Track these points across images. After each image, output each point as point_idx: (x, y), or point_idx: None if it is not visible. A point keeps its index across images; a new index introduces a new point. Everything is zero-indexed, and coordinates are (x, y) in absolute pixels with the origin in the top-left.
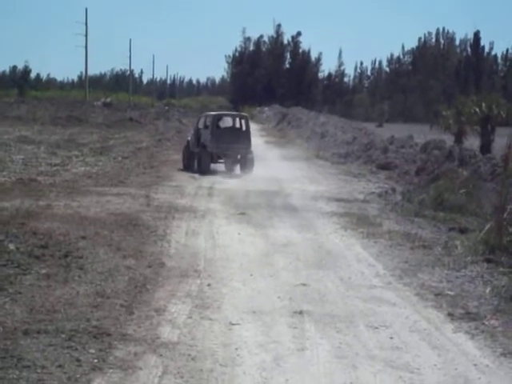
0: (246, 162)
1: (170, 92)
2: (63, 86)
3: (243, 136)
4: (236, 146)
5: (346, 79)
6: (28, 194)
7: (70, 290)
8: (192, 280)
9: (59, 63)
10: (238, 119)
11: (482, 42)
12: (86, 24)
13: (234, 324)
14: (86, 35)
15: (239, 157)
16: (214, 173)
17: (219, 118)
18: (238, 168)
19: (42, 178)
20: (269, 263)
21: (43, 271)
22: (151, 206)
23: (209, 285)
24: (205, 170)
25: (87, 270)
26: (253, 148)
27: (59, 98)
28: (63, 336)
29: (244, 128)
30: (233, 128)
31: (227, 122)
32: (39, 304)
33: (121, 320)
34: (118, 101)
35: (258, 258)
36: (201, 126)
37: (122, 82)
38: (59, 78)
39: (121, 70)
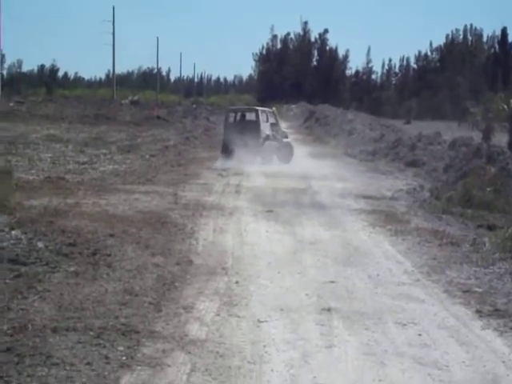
0: (263, 151)
1: (197, 90)
2: (91, 85)
3: (253, 127)
4: (244, 137)
5: (373, 76)
6: (56, 192)
7: (98, 287)
8: (220, 277)
9: (87, 62)
10: (248, 113)
11: (510, 39)
12: (114, 22)
13: (261, 321)
14: (114, 33)
15: (250, 146)
16: (241, 171)
17: (232, 112)
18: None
19: (70, 176)
20: (296, 261)
21: (71, 269)
22: (179, 203)
23: (236, 282)
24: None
25: (115, 268)
26: None
27: (87, 97)
28: (92, 333)
29: (254, 119)
30: (243, 121)
31: (240, 115)
32: (68, 302)
33: (149, 317)
34: (145, 99)
35: (286, 256)
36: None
37: (150, 80)
38: (87, 77)
39: (148, 68)
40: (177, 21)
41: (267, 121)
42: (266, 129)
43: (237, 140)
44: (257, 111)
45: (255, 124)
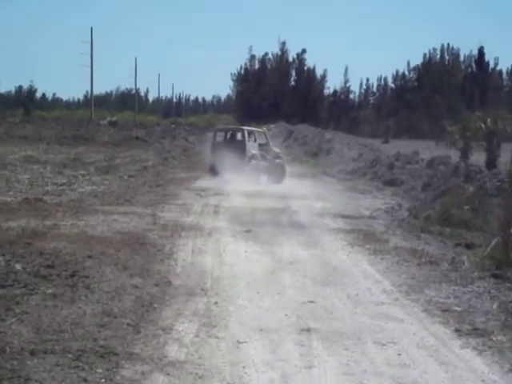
0: (249, 171)
1: (175, 110)
2: (69, 106)
3: (239, 147)
4: (230, 156)
5: (351, 96)
6: (34, 213)
7: (76, 309)
8: (199, 298)
9: (65, 82)
10: (235, 132)
11: (487, 58)
12: (92, 43)
13: (241, 342)
14: (92, 54)
15: (236, 166)
16: (220, 191)
17: (219, 131)
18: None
19: (48, 197)
20: (276, 281)
21: (50, 291)
22: (157, 224)
23: (216, 303)
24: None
25: (94, 290)
26: None
27: (65, 118)
28: (70, 356)
29: (241, 139)
30: (229, 140)
31: (227, 135)
32: (46, 324)
33: (128, 339)
34: (123, 120)
35: (265, 276)
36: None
37: (128, 100)
38: (65, 98)
39: (126, 88)
40: (155, 41)
41: (255, 140)
42: (252, 148)
43: (223, 159)
44: (243, 131)
45: (241, 143)
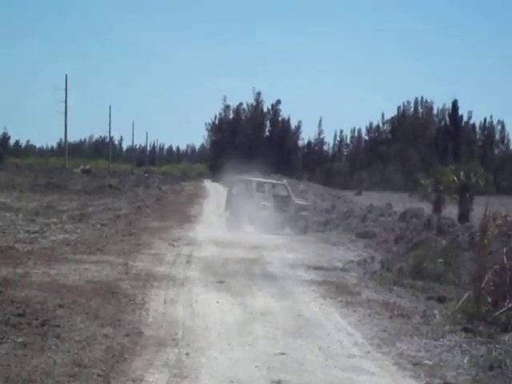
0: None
1: (149, 159)
2: (42, 153)
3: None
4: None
5: (325, 147)
6: (5, 261)
7: (46, 358)
8: (170, 349)
9: (38, 130)
10: (245, 184)
11: (460, 111)
12: (66, 91)
13: None
14: (66, 102)
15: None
16: (193, 241)
17: (235, 183)
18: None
19: (20, 245)
20: (247, 332)
21: (20, 340)
22: (129, 273)
23: (187, 354)
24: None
25: (64, 339)
26: None
27: (38, 165)
28: None
29: (249, 191)
30: (240, 192)
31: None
32: (15, 373)
33: None
34: (97, 168)
35: (237, 327)
36: None
37: (102, 148)
38: (38, 145)
39: (100, 136)
40: (129, 90)
41: (268, 192)
42: (262, 200)
43: (237, 211)
44: (251, 182)
45: (250, 195)
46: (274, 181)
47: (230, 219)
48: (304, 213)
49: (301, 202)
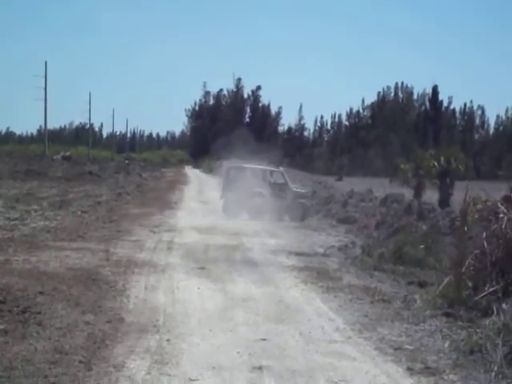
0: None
1: (130, 146)
2: (22, 140)
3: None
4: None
5: (305, 133)
6: None
7: (27, 346)
8: (151, 335)
9: (18, 117)
10: (240, 170)
11: (441, 97)
12: (46, 77)
13: (192, 380)
14: (46, 89)
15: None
16: (173, 227)
17: (230, 169)
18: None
19: (0, 232)
20: (228, 318)
21: (0, 327)
22: (110, 260)
23: (168, 340)
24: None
25: (45, 326)
26: (214, 202)
27: (18, 152)
28: None
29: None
30: (236, 178)
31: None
32: None
33: (79, 376)
34: (77, 154)
35: (218, 313)
36: None
37: (82, 135)
38: (18, 132)
39: (80, 123)
40: (110, 76)
41: (262, 179)
42: (257, 186)
43: (232, 197)
44: (244, 169)
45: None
46: (270, 168)
47: (226, 206)
48: (302, 200)
49: (298, 189)
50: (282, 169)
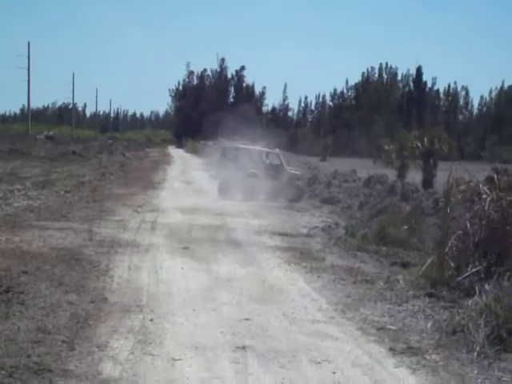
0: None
1: (113, 125)
2: (5, 119)
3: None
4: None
5: (290, 113)
6: None
7: (10, 325)
8: (134, 315)
9: (1, 96)
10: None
11: (425, 78)
12: (29, 57)
13: (176, 359)
14: (29, 69)
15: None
16: (157, 207)
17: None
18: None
19: None
20: (212, 298)
21: None
22: (94, 240)
23: (151, 320)
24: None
25: (28, 306)
26: (198, 182)
27: (1, 131)
28: (3, 372)
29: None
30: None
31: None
32: None
33: (62, 356)
34: (60, 134)
35: (201, 293)
36: None
37: (65, 115)
38: (1, 111)
39: (64, 103)
40: (93, 56)
41: (257, 160)
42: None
43: (226, 178)
44: (238, 149)
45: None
46: (265, 149)
47: (221, 187)
48: (297, 182)
49: (294, 171)
50: (277, 150)
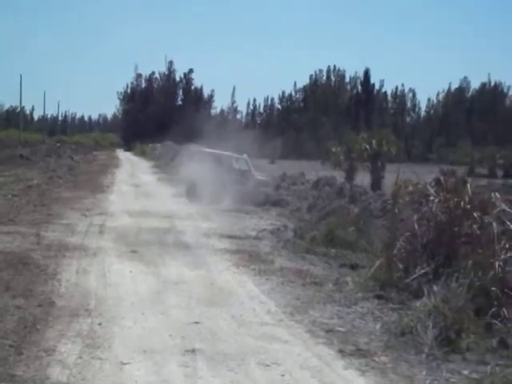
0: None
1: (61, 129)
2: None
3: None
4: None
5: (238, 116)
6: None
7: None
8: (83, 319)
9: None
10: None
11: (372, 80)
12: None
13: (124, 363)
14: None
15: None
16: (105, 211)
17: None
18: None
19: None
20: (161, 301)
21: None
22: (41, 244)
23: (99, 324)
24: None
25: None
26: (147, 185)
27: None
28: None
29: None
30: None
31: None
32: None
33: (9, 361)
34: (7, 137)
35: (150, 296)
36: None
37: (13, 118)
38: None
39: (11, 106)
40: (41, 58)
41: (225, 165)
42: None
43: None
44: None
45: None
46: (233, 154)
47: (189, 192)
48: (264, 188)
49: (261, 177)
50: (245, 156)
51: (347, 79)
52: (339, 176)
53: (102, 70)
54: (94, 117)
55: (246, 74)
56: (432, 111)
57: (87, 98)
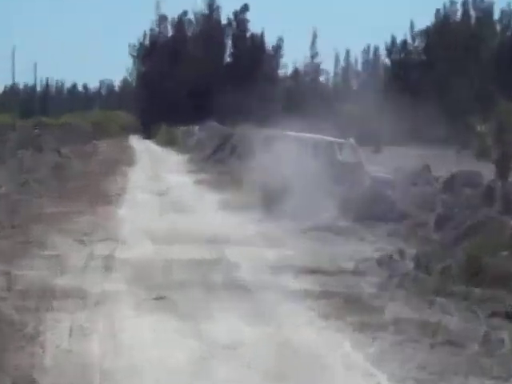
0: None
1: (41, 106)
2: None
3: None
4: None
5: (322, 78)
6: None
7: None
8: None
9: None
10: None
11: None
12: None
13: None
14: None
15: None
16: (114, 234)
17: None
18: None
19: None
20: (204, 377)
21: None
22: (14, 290)
23: None
24: None
25: None
26: (177, 192)
27: None
28: None
29: None
30: None
31: None
32: None
33: None
34: None
35: (187, 370)
36: None
37: None
38: None
39: None
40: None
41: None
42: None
43: None
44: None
45: None
46: (336, 140)
47: (266, 202)
48: (387, 192)
49: (380, 173)
50: (352, 140)
51: (496, 15)
52: (487, 171)
53: (106, 12)
54: (94, 85)
55: (332, 12)
56: None
57: (82, 56)
